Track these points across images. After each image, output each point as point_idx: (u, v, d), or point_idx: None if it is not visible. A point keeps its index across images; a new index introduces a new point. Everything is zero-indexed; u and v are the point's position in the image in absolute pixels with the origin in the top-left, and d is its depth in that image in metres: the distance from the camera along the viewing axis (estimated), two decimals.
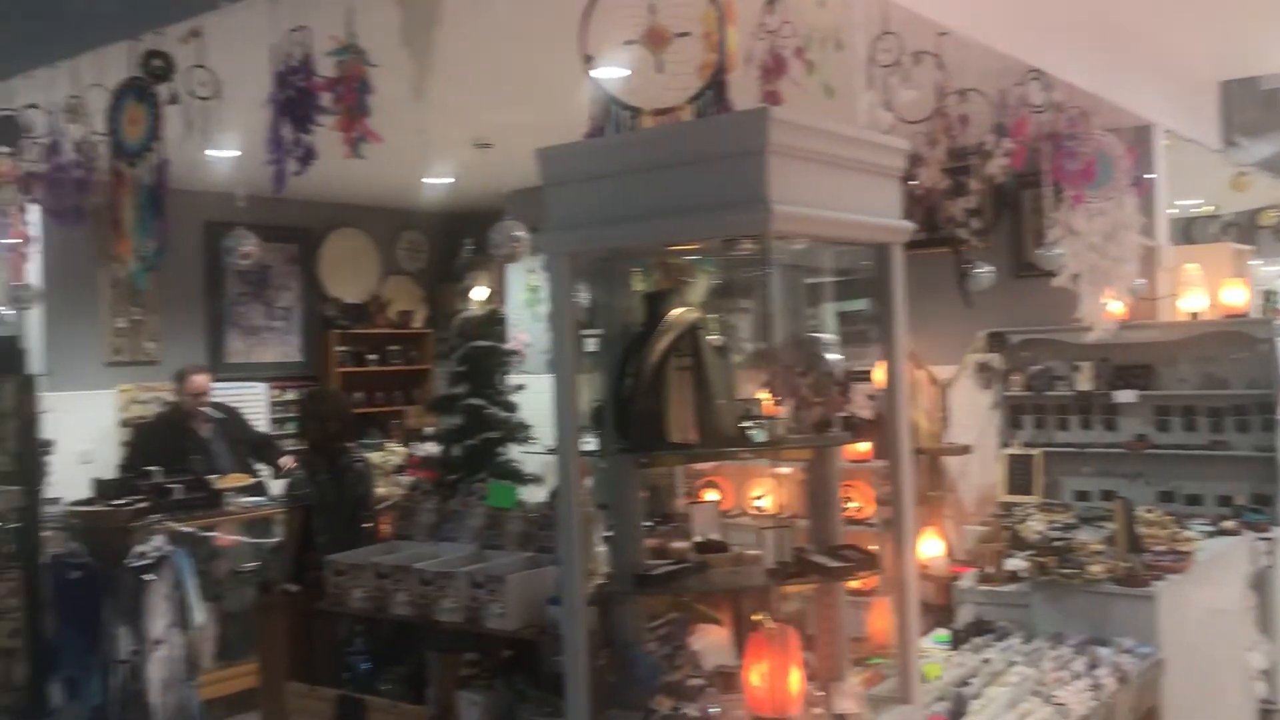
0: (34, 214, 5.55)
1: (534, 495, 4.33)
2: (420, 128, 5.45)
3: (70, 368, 7.27)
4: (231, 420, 7.09)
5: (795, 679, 2.95)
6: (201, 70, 4.18)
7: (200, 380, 6.85)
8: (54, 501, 5.62)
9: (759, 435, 2.98)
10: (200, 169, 5.67)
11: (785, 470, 4.05)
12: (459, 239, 10.08)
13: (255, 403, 8.48)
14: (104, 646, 5.05)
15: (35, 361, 6.48)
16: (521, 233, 3.82)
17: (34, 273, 6.36)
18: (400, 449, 7.29)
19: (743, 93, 3.45)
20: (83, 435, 7.16)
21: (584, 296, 3.34)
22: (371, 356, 9.61)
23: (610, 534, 3.36)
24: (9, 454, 5.05)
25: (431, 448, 7.08)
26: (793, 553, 3.12)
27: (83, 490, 5.69)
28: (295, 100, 3.93)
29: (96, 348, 7.78)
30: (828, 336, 3.53)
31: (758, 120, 2.73)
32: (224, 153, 4.74)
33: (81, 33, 4.62)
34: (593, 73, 3.47)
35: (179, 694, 5.21)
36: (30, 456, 5.13)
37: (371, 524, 4.89)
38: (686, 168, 2.81)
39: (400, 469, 6.97)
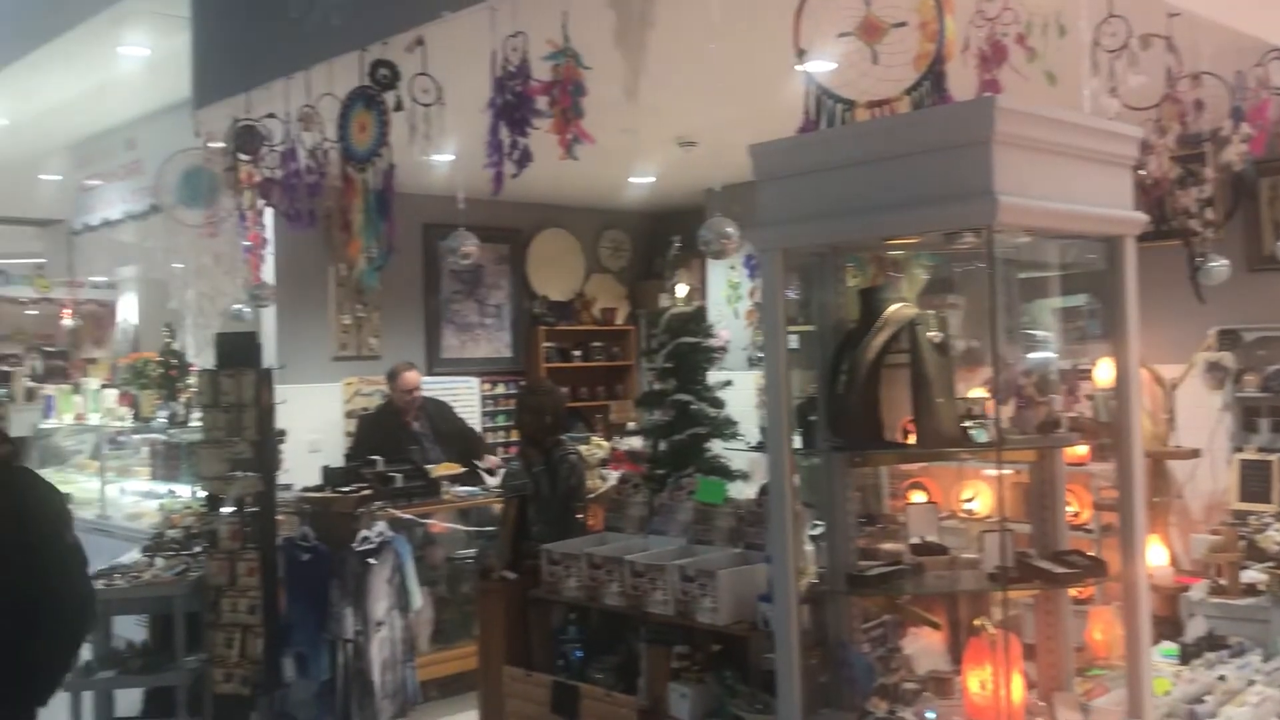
0: (268, 217, 5.93)
1: (740, 491, 4.33)
2: (628, 128, 5.54)
3: (301, 362, 7.68)
4: (440, 414, 7.35)
5: (1018, 687, 2.85)
6: (424, 78, 4.36)
7: (411, 376, 7.09)
8: (287, 487, 5.97)
9: (980, 435, 2.90)
10: (418, 173, 5.93)
11: (1006, 472, 3.89)
12: (659, 237, 10.22)
13: (468, 396, 8.82)
14: (331, 625, 5.33)
15: (270, 356, 6.93)
16: (732, 229, 3.82)
17: (268, 273, 6.79)
18: (604, 443, 7.42)
19: (959, 82, 3.36)
20: (312, 425, 7.57)
21: (793, 292, 3.32)
22: (575, 352, 9.84)
23: (817, 532, 3.33)
24: (249, 442, 5.39)
25: (635, 442, 7.18)
26: (1015, 557, 3.02)
27: (312, 477, 6.01)
28: (513, 104, 4.06)
29: (324, 343, 8.22)
30: (1044, 333, 3.40)
31: (983, 110, 2.65)
32: (441, 157, 4.93)
33: (314, 45, 4.88)
34: (806, 66, 3.45)
35: (399, 673, 5.46)
36: (267, 445, 5.46)
37: (583, 515, 4.99)
38: (906, 160, 2.76)
39: (604, 462, 7.08)
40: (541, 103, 4.01)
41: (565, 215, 9.79)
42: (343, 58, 4.70)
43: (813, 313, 3.32)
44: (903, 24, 3.32)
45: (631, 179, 8.51)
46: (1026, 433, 3.00)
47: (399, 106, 4.47)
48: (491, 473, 6.76)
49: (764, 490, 3.80)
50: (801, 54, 3.42)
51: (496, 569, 4.50)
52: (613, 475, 6.68)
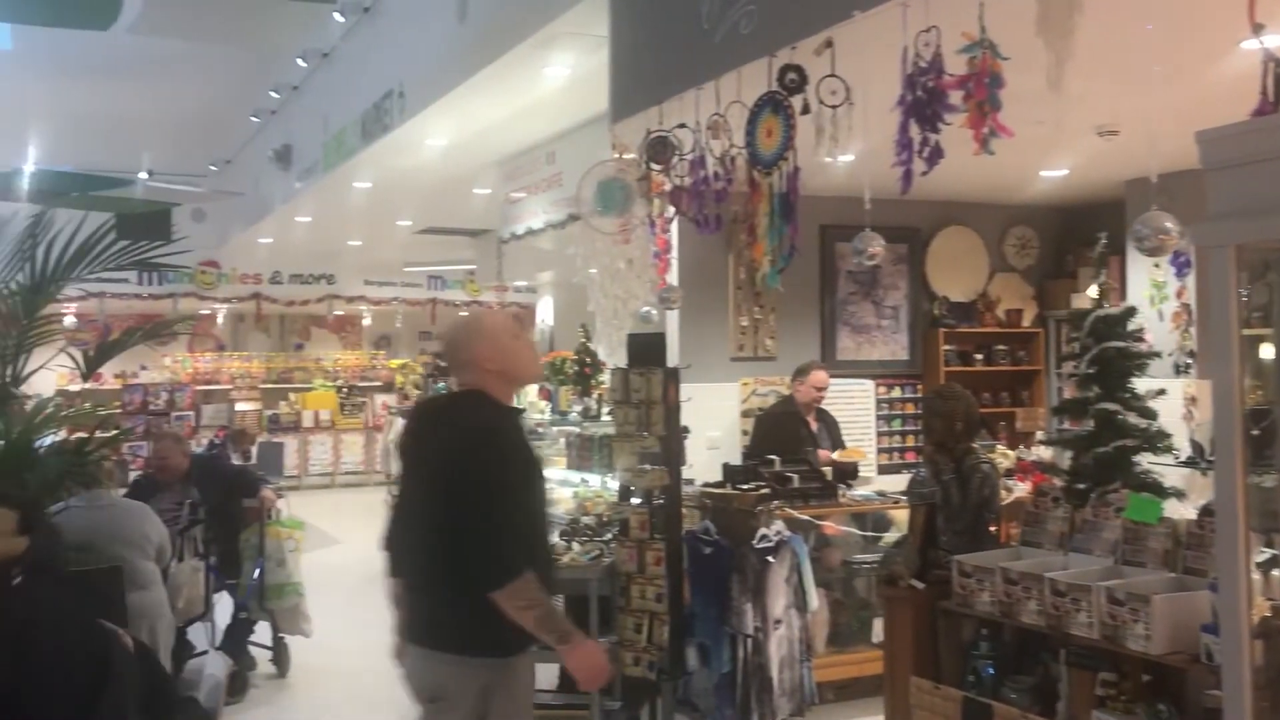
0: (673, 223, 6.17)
1: (1174, 510, 3.97)
2: (1042, 119, 5.24)
3: (701, 361, 7.89)
4: (831, 423, 7.37)
5: None
6: (833, 79, 4.35)
7: (822, 375, 7.09)
8: (689, 482, 6.18)
9: None
10: (815, 174, 5.93)
11: None
12: (1071, 232, 9.62)
13: (863, 399, 8.73)
14: (731, 619, 5.46)
15: (674, 356, 7.21)
16: (1172, 224, 3.51)
17: (673, 276, 7.07)
18: (1009, 452, 7.09)
19: None
20: (711, 423, 7.80)
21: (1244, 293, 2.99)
22: (977, 356, 9.44)
23: (1263, 559, 2.99)
24: (657, 437, 5.63)
25: (1044, 452, 6.80)
26: None
27: (712, 473, 6.19)
28: (924, 100, 3.95)
29: (723, 344, 8.42)
30: None
31: None
32: (840, 157, 4.91)
33: (724, 54, 5.01)
34: (1261, 41, 3.10)
35: (796, 672, 5.51)
36: (674, 441, 5.68)
37: (995, 527, 4.79)
38: None
39: (1009, 473, 6.78)
40: (955, 97, 3.88)
41: (968, 212, 9.43)
42: (751, 65, 4.79)
43: (1263, 316, 2.98)
44: None
45: (1043, 172, 8.07)
46: None
47: (806, 110, 4.49)
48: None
49: (1206, 510, 3.48)
50: (1259, 28, 3.08)
51: (904, 577, 4.42)
52: (1019, 486, 6.37)
